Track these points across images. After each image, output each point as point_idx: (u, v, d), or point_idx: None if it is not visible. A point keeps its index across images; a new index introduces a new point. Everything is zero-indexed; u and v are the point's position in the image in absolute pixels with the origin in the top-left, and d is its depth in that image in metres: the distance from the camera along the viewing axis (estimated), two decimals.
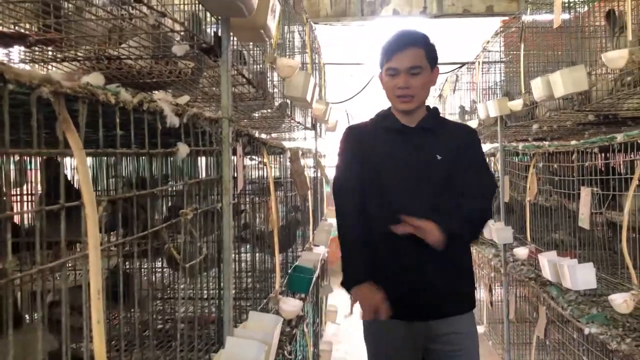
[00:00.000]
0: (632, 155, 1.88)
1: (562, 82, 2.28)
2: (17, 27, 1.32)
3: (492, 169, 3.96)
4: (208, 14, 1.48)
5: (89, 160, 2.06)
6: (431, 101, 5.72)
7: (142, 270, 1.89)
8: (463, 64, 5.16)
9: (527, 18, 3.18)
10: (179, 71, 1.54)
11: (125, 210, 1.03)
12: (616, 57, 1.97)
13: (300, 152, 2.74)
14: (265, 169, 2.00)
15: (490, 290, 4.10)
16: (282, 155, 2.46)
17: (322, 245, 3.34)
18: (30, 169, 1.77)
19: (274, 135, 3.86)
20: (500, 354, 3.86)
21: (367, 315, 1.75)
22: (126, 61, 1.44)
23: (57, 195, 0.74)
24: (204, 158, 1.38)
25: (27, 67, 1.49)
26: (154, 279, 2.04)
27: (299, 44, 3.02)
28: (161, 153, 1.02)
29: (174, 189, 1.88)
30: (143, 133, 0.96)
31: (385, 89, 1.88)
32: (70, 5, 1.36)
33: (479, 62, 4.13)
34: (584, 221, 2.19)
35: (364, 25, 5.85)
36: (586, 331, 1.98)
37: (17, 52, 1.44)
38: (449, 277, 1.78)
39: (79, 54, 1.44)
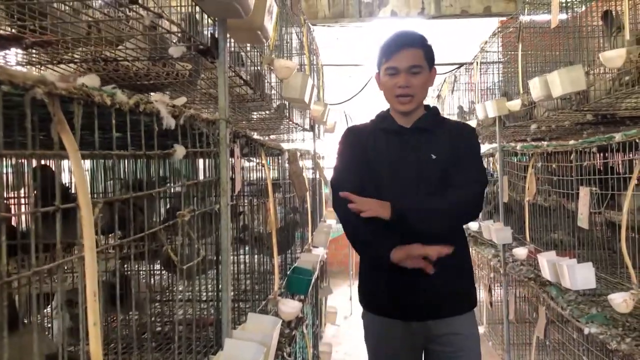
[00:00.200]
0: (631, 155, 1.88)
1: (560, 82, 2.28)
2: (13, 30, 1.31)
3: (491, 169, 3.97)
4: (205, 16, 1.47)
5: (87, 162, 2.06)
6: (430, 102, 5.71)
7: (140, 272, 1.88)
8: (461, 65, 5.16)
9: (524, 18, 3.18)
10: (176, 73, 1.53)
11: (123, 213, 1.03)
12: (614, 57, 1.97)
13: (299, 154, 2.73)
14: (263, 171, 1.99)
15: (490, 291, 4.10)
16: (280, 157, 2.45)
17: (321, 247, 3.34)
18: (28, 172, 1.76)
19: (272, 136, 3.85)
20: (500, 354, 3.85)
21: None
22: (123, 63, 1.43)
23: (53, 198, 0.74)
24: (202, 160, 1.38)
25: (24, 69, 1.49)
26: (152, 281, 2.04)
27: (296, 46, 3.02)
28: (158, 155, 1.02)
29: (172, 190, 1.87)
30: (140, 135, 0.96)
31: (384, 89, 1.88)
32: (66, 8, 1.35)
33: (477, 63, 4.13)
34: (583, 221, 2.19)
35: (362, 26, 5.86)
36: (586, 331, 1.98)
37: (13, 55, 1.44)
38: (448, 277, 1.78)
39: (76, 56, 1.43)
